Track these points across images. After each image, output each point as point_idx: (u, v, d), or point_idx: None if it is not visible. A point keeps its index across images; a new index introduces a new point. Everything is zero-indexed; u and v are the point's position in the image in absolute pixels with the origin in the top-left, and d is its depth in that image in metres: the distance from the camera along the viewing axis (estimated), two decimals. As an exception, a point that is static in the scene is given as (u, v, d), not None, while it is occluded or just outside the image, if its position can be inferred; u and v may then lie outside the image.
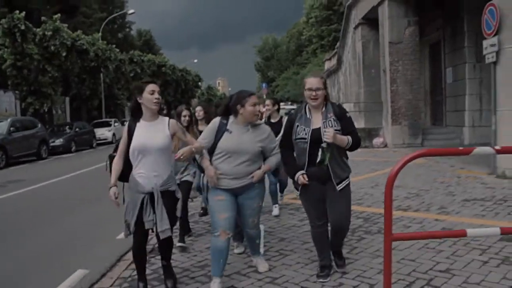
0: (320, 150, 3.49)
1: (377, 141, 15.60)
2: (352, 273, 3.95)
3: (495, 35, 8.07)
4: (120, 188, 3.70)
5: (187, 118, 5.22)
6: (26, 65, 22.67)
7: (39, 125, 19.33)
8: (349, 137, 3.57)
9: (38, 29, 23.22)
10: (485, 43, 8.45)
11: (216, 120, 3.82)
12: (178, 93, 48.68)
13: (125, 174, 3.69)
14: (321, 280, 3.81)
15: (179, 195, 3.77)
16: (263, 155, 3.90)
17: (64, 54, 23.65)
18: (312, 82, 3.64)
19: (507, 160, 7.82)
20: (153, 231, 3.70)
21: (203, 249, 4.91)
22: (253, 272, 4.13)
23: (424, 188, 7.54)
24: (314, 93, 3.60)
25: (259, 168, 3.82)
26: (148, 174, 3.59)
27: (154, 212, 3.60)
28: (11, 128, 17.01)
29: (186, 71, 51.92)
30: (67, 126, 23.45)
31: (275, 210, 6.26)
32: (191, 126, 5.31)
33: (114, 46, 30.24)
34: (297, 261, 4.37)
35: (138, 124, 3.67)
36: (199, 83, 60.44)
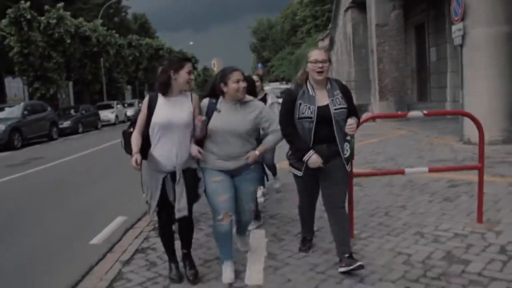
0: (347, 144, 3.46)
1: (366, 115, 16.85)
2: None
3: (461, 21, 9.28)
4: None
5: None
6: (32, 52, 23.76)
7: (49, 108, 20.51)
8: (355, 118, 3.49)
9: (42, 18, 24.22)
10: (453, 28, 9.66)
11: (205, 100, 3.64)
12: (176, 75, 49.65)
13: (143, 150, 3.47)
14: (304, 253, 3.93)
15: (200, 174, 3.59)
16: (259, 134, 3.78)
17: (68, 41, 24.72)
18: (317, 54, 3.50)
19: (471, 129, 9.09)
20: None
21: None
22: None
23: (399, 153, 8.83)
24: (320, 65, 3.43)
25: (254, 148, 3.63)
26: (168, 153, 3.43)
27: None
28: (25, 112, 18.18)
29: (182, 54, 52.81)
30: (73, 109, 24.62)
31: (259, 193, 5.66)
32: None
33: (114, 31, 31.17)
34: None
35: (160, 99, 3.50)
36: (195, 65, 61.33)
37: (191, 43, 70.43)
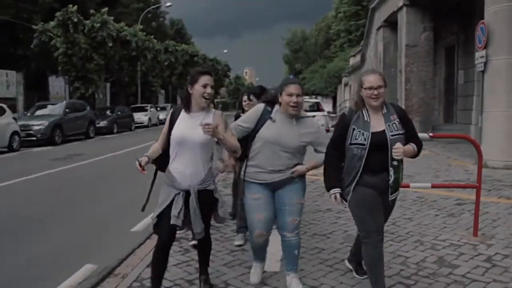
0: (392, 169, 3.20)
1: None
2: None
3: (484, 48, 9.76)
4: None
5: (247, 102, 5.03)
6: (75, 53, 25.10)
7: (88, 107, 21.67)
8: (414, 145, 3.27)
9: (87, 21, 25.59)
10: (476, 54, 10.15)
11: (261, 106, 3.51)
12: (208, 82, 50.93)
13: (163, 163, 3.43)
14: (361, 277, 3.76)
15: (217, 194, 3.44)
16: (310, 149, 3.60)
17: (110, 44, 26.02)
18: (372, 80, 3.23)
19: (489, 152, 9.54)
20: (180, 229, 3.52)
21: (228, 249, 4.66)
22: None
23: (418, 171, 9.33)
24: (376, 92, 3.20)
25: (301, 162, 3.51)
26: (184, 170, 3.31)
27: (184, 211, 3.31)
28: (66, 110, 19.32)
29: (217, 61, 54.10)
30: (109, 110, 25.79)
31: None
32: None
33: (152, 36, 32.47)
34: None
35: (182, 113, 3.39)
36: (228, 73, 62.62)
37: (225, 51, 71.67)
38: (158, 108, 34.41)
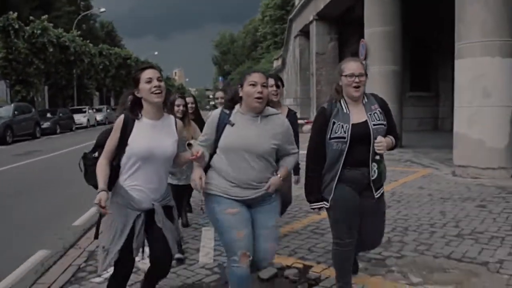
0: (375, 164, 3.05)
1: (305, 128, 20.65)
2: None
3: (365, 59, 13.09)
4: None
5: (181, 108, 4.52)
6: (15, 57, 26.48)
7: (33, 109, 23.31)
8: (392, 138, 3.13)
9: (27, 27, 27.05)
10: (360, 64, 13.48)
11: (216, 112, 3.04)
12: (141, 83, 52.74)
13: (110, 180, 2.87)
14: None
15: (175, 212, 3.12)
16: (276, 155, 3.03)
17: (51, 49, 27.58)
18: (352, 66, 3.05)
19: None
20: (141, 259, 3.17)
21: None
22: None
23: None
24: (357, 79, 3.00)
25: (273, 173, 2.98)
26: (145, 187, 2.89)
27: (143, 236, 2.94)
28: (15, 112, 21.00)
29: (148, 63, 55.73)
30: (50, 112, 27.29)
31: None
32: (187, 118, 4.53)
33: (88, 41, 34.13)
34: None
35: (137, 123, 2.89)
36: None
37: (156, 52, 73.12)
38: (95, 110, 36.00)
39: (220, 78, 47.87)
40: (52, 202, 7.74)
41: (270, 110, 3.00)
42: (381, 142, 2.96)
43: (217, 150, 2.95)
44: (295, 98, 24.50)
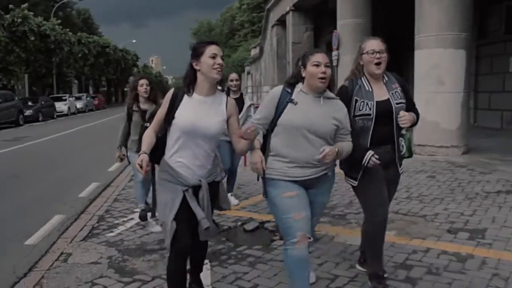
0: (402, 139, 3.12)
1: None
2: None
3: (337, 49, 14.07)
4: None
5: (144, 87, 4.78)
6: (-5, 46, 26.76)
7: (16, 98, 23.72)
8: (413, 114, 3.16)
9: (7, 16, 27.25)
10: (333, 54, 14.46)
11: (277, 89, 2.96)
12: (118, 71, 52.99)
13: (157, 153, 2.91)
14: None
15: (222, 187, 3.11)
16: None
17: (32, 38, 27.87)
18: (373, 44, 3.07)
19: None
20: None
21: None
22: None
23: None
24: (378, 55, 3.02)
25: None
26: (189, 163, 2.85)
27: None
28: (-1, 100, 21.46)
29: (126, 51, 56.00)
30: (31, 100, 27.63)
31: (233, 200, 5.77)
32: (152, 97, 4.86)
33: (68, 30, 34.36)
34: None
35: (186, 97, 2.86)
36: (137, 62, 64.45)
37: (134, 40, 72.95)
38: (74, 98, 36.30)
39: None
40: (55, 179, 8.58)
41: (330, 93, 2.94)
42: (404, 116, 3.03)
43: (275, 129, 2.89)
44: (272, 85, 25.43)
